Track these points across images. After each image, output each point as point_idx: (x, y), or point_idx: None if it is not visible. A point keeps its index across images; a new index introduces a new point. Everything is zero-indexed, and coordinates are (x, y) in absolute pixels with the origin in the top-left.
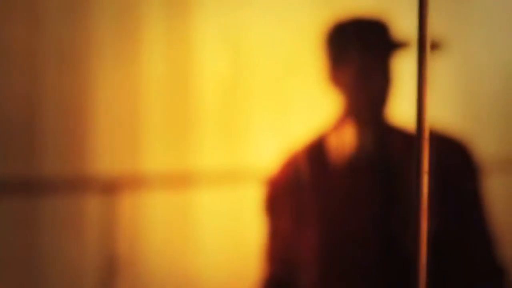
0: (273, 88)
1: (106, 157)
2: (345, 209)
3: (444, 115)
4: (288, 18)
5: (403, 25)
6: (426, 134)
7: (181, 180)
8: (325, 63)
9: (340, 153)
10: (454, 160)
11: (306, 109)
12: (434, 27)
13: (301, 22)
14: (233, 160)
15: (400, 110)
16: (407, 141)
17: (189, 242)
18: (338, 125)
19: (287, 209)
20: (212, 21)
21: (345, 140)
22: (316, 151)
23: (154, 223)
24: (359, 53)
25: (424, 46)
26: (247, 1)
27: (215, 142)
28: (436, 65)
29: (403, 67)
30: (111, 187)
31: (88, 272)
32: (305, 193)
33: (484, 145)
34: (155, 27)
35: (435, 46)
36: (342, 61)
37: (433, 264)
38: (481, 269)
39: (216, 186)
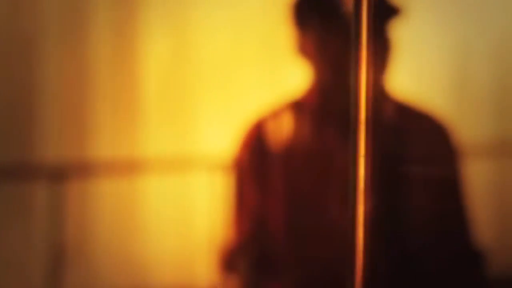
0: (221, 74)
1: (53, 144)
2: (313, 182)
3: (423, 91)
4: (234, 5)
5: None
6: (362, 117)
7: (130, 167)
8: (293, 32)
9: (305, 124)
10: (433, 139)
11: (256, 92)
12: None
13: (250, 7)
14: (182, 147)
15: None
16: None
17: (138, 229)
18: (302, 99)
19: (254, 184)
20: (158, 7)
21: (311, 113)
22: (278, 124)
23: (103, 211)
24: (324, 20)
25: (360, 21)
26: None
27: (163, 129)
28: (419, 38)
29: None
30: (59, 175)
31: (36, 260)
32: (269, 167)
33: (469, 128)
34: (101, 15)
35: (395, 12)
36: (310, 29)
37: (407, 247)
38: (458, 253)
39: (164, 173)
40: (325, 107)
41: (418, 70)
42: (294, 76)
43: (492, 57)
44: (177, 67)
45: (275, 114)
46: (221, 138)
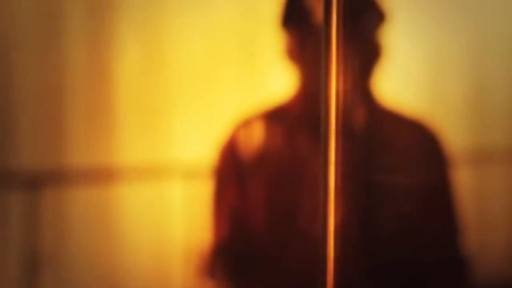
0: (197, 82)
1: (29, 152)
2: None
3: (409, 99)
4: (209, 14)
5: None
6: (333, 126)
7: (105, 175)
8: (281, 35)
9: (283, 131)
10: (423, 146)
11: (232, 100)
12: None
13: (229, 14)
14: (157, 154)
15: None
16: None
17: (114, 237)
18: (285, 104)
19: (232, 191)
20: (136, 13)
21: (293, 119)
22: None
23: (78, 218)
24: (303, 26)
25: (330, 32)
26: None
27: (138, 137)
28: (402, 45)
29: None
30: (34, 182)
31: (11, 267)
32: (248, 174)
33: (452, 134)
34: (77, 23)
35: (382, 17)
36: (295, 33)
37: (395, 251)
38: (444, 258)
39: (140, 181)
40: (308, 113)
41: (393, 77)
42: (272, 83)
43: (470, 64)
44: (152, 74)
45: (255, 121)
46: (197, 146)
